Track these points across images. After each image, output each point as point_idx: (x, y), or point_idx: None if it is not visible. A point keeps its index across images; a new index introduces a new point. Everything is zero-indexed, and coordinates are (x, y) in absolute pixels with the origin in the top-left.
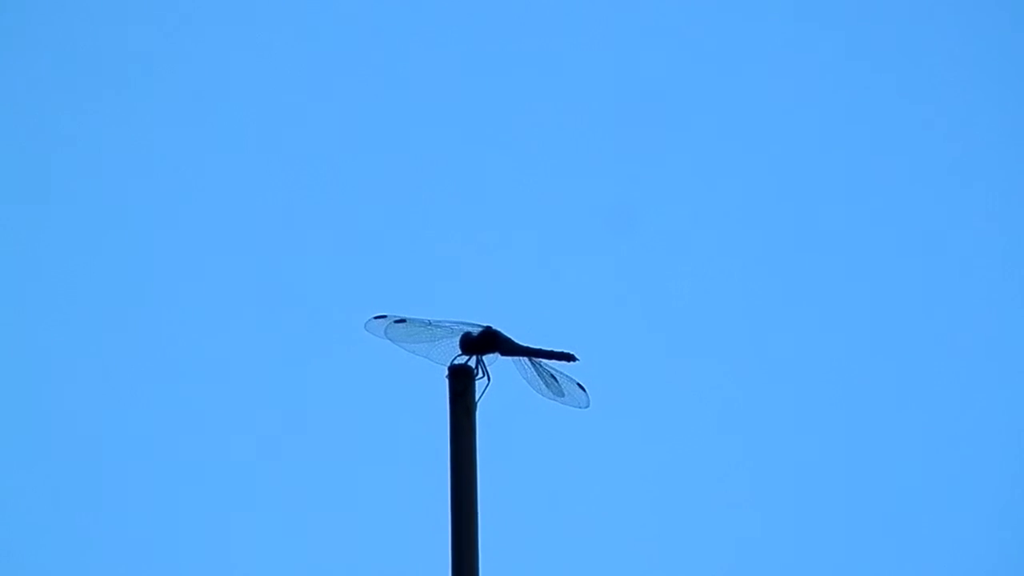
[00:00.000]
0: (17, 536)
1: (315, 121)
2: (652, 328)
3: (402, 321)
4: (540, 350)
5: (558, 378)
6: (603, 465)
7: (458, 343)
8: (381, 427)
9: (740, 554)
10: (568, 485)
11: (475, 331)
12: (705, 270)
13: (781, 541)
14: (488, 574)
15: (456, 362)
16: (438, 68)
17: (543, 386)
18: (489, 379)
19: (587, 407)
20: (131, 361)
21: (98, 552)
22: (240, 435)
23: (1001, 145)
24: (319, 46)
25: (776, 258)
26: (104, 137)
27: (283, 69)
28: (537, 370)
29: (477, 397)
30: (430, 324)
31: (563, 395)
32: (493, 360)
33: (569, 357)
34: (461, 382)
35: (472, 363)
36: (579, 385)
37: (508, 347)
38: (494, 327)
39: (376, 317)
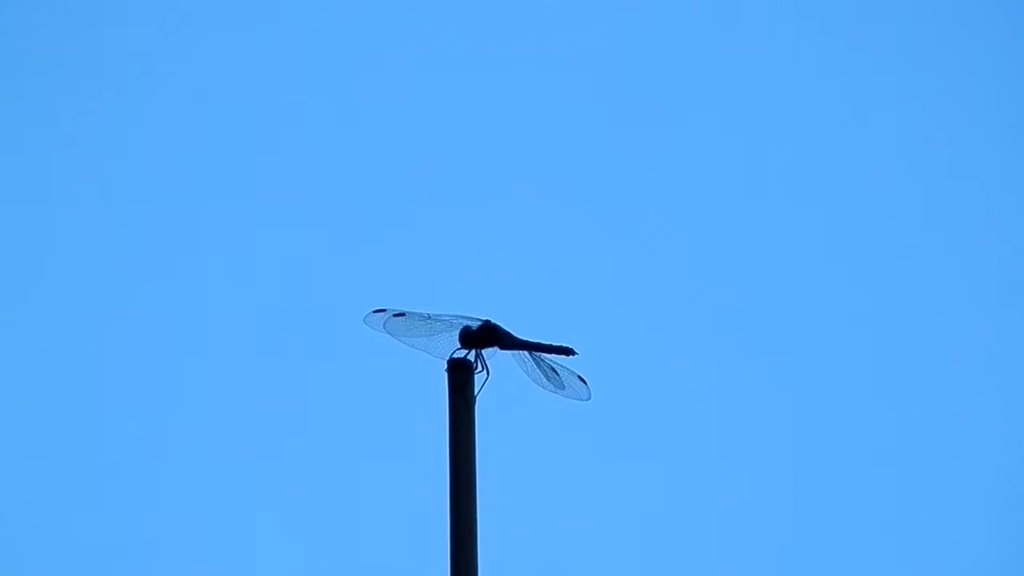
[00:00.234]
0: (17, 536)
1: (315, 120)
2: (651, 322)
3: (401, 315)
4: (539, 344)
5: (559, 371)
6: (602, 458)
7: (457, 337)
8: (380, 421)
9: (739, 548)
10: (567, 478)
11: (474, 325)
12: (703, 266)
13: (780, 537)
14: (487, 567)
15: (455, 356)
16: (440, 67)
17: (544, 379)
18: (488, 373)
19: (588, 399)
20: (130, 359)
21: (100, 552)
22: (239, 430)
23: (1001, 145)
24: (319, 45)
25: (775, 255)
26: (104, 136)
27: (284, 69)
28: (537, 363)
29: (476, 391)
30: (429, 318)
31: (564, 388)
32: (492, 354)
33: (568, 351)
34: (460, 375)
35: (471, 357)
36: (580, 378)
37: (507, 341)
38: (493, 321)
39: (375, 311)
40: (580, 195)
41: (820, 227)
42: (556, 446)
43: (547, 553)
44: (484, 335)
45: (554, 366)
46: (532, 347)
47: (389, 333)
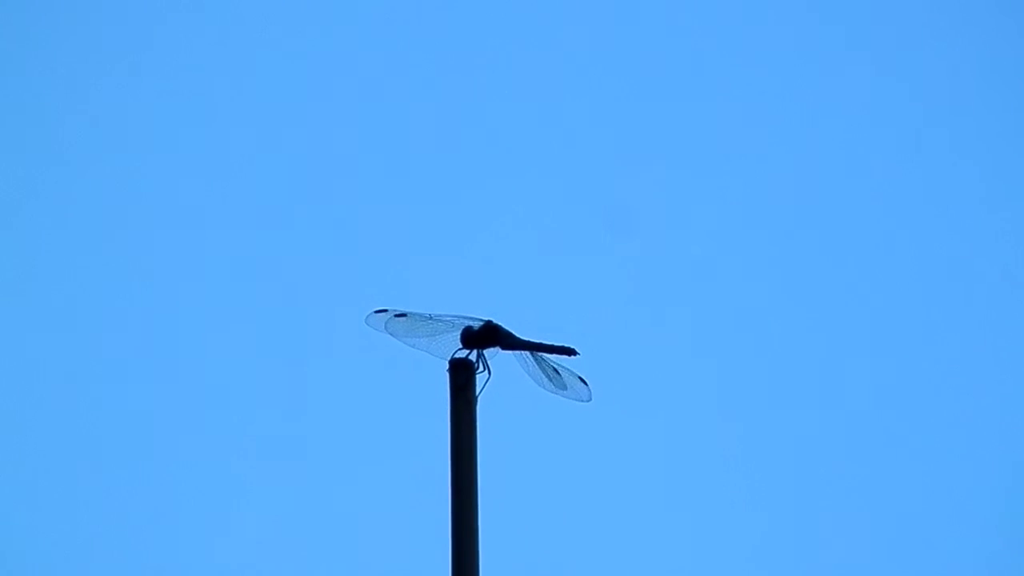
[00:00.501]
0: (17, 536)
1: (317, 119)
2: (652, 322)
3: (403, 315)
4: (541, 344)
5: (560, 372)
6: (603, 459)
7: (459, 337)
8: (382, 421)
9: (740, 548)
10: (569, 479)
11: (476, 325)
12: (705, 266)
13: (782, 536)
14: (488, 567)
15: (457, 356)
16: (442, 67)
17: (545, 379)
18: (490, 373)
19: (589, 400)
20: (131, 359)
21: (102, 552)
22: (242, 430)
23: (1001, 145)
24: (320, 43)
25: (776, 255)
26: (105, 136)
27: (285, 66)
28: (539, 364)
29: (478, 391)
30: (431, 318)
31: (565, 388)
32: (494, 354)
33: (570, 351)
34: (462, 376)
35: (473, 357)
36: (581, 379)
37: (509, 341)
38: (495, 321)
39: (377, 311)
40: (583, 195)
41: (821, 227)
42: (557, 446)
43: (548, 554)
44: (486, 335)
45: (556, 366)
46: (534, 347)
47: (391, 334)
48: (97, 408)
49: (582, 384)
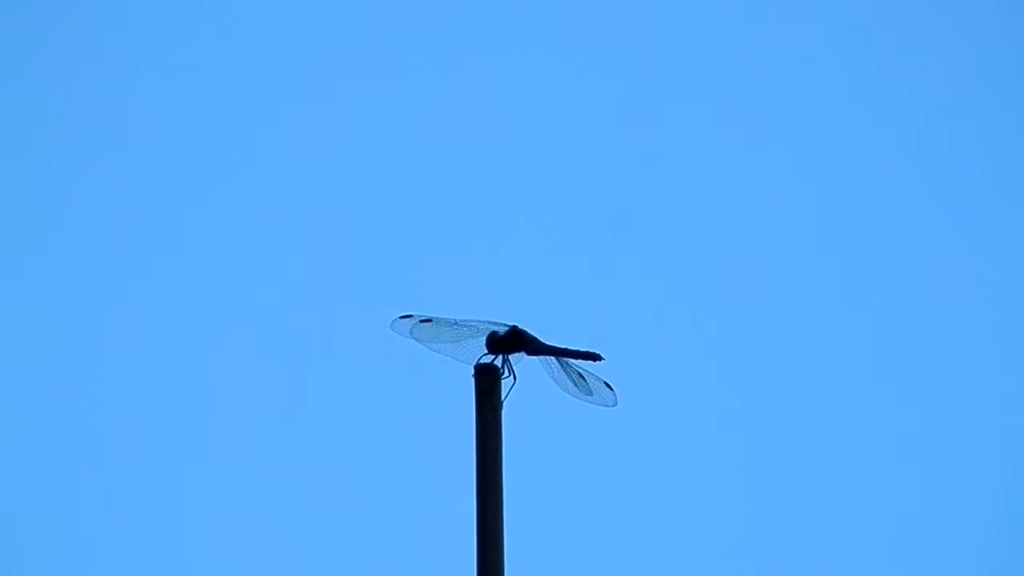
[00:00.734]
0: (18, 536)
1: (332, 122)
2: (677, 326)
3: (428, 321)
4: (566, 349)
5: (586, 377)
6: (629, 463)
7: (484, 342)
8: (408, 425)
9: (763, 552)
10: (594, 483)
11: (501, 330)
12: (731, 270)
13: (805, 539)
14: (513, 571)
15: (482, 361)
16: (463, 68)
17: (571, 385)
18: (515, 378)
19: (615, 406)
20: (142, 361)
21: (104, 553)
22: (264, 437)
23: (1002, 146)
24: (331, 43)
25: (793, 256)
26: (105, 135)
27: (299, 66)
28: (564, 369)
29: (503, 396)
30: (456, 324)
31: (591, 394)
32: (519, 359)
33: (595, 357)
34: (487, 381)
35: (498, 362)
36: (606, 384)
37: (534, 346)
38: (520, 326)
39: (402, 316)
40: (608, 199)
41: (823, 227)
42: (583, 451)
43: (573, 559)
44: (511, 340)
45: (581, 372)
46: (559, 352)
47: (416, 339)
48: (98, 408)
49: (607, 389)
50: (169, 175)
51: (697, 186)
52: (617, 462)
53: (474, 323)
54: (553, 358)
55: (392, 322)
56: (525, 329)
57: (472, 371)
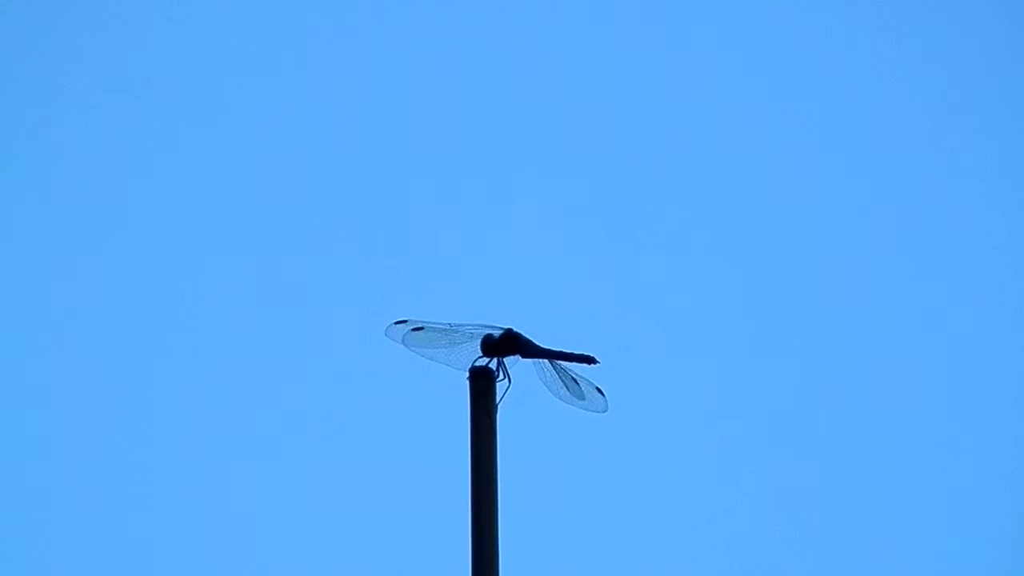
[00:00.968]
0: (17, 536)
1: (328, 126)
2: (669, 332)
3: (420, 328)
4: (561, 352)
5: (579, 382)
6: (623, 467)
7: (479, 345)
8: (402, 428)
9: (756, 555)
10: (590, 487)
11: (496, 333)
12: (724, 276)
13: (799, 543)
14: (508, 574)
15: (477, 363)
16: (456, 71)
17: (563, 389)
18: (510, 381)
19: (605, 412)
20: (149, 363)
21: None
22: (260, 440)
23: (1003, 146)
24: (330, 46)
25: (794, 259)
26: (106, 134)
27: (298, 68)
28: (558, 372)
29: (498, 399)
30: (449, 328)
31: (583, 398)
32: (514, 362)
33: (590, 360)
34: (482, 384)
35: (493, 365)
36: (598, 389)
37: (529, 349)
38: (515, 329)
39: (396, 322)
40: (603, 201)
41: (823, 227)
42: (578, 453)
43: (567, 562)
44: (506, 343)
45: (575, 376)
46: (554, 355)
47: (408, 347)
48: (99, 408)
49: (599, 395)
50: (169, 175)
51: (695, 188)
52: (612, 465)
53: (468, 327)
54: (547, 361)
55: (387, 328)
56: (520, 332)
57: (467, 374)
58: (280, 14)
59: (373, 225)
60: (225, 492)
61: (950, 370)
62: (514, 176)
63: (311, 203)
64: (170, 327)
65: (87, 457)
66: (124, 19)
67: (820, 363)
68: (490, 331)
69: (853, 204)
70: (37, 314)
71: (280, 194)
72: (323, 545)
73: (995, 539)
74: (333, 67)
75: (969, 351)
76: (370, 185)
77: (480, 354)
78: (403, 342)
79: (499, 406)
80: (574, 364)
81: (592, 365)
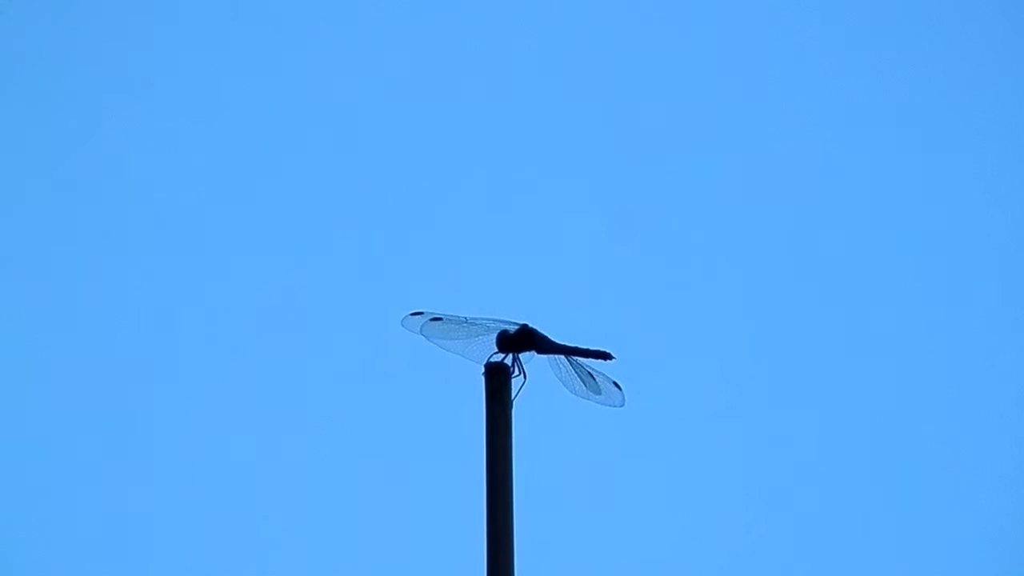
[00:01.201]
0: (17, 536)
1: (337, 125)
2: (689, 328)
3: (439, 319)
4: (577, 348)
5: (595, 376)
6: (638, 462)
7: (494, 341)
8: (418, 424)
9: (770, 551)
10: (605, 482)
11: (512, 329)
12: (740, 271)
13: (812, 540)
14: (523, 570)
15: (492, 359)
16: (466, 72)
17: (580, 384)
18: (525, 377)
19: (622, 406)
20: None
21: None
22: (272, 433)
23: (1003, 146)
24: (333, 46)
25: (803, 256)
26: (107, 134)
27: (305, 67)
28: (574, 368)
29: (513, 395)
30: (466, 321)
31: (600, 393)
32: (529, 358)
33: (606, 355)
34: (497, 379)
35: (508, 361)
36: (615, 384)
37: (545, 345)
38: (531, 325)
39: (413, 314)
40: (614, 198)
41: (825, 226)
42: (593, 449)
43: (583, 557)
44: (521, 339)
45: (591, 371)
46: (569, 351)
47: (426, 336)
48: (104, 407)
49: (616, 389)
50: (170, 175)
51: (704, 185)
52: (627, 461)
53: (484, 321)
54: (563, 357)
55: (403, 319)
56: (536, 328)
57: (482, 370)
58: (281, 14)
59: (387, 223)
60: (234, 490)
61: (950, 370)
62: (530, 173)
63: (323, 202)
64: (170, 327)
65: (88, 458)
66: (124, 19)
67: (830, 359)
68: (505, 327)
69: (853, 204)
70: (37, 314)
71: (296, 191)
72: (338, 541)
73: (995, 539)
74: (340, 66)
75: (969, 351)
76: (384, 184)
77: (496, 350)
78: (421, 331)
79: (514, 402)
80: (590, 360)
81: (608, 361)
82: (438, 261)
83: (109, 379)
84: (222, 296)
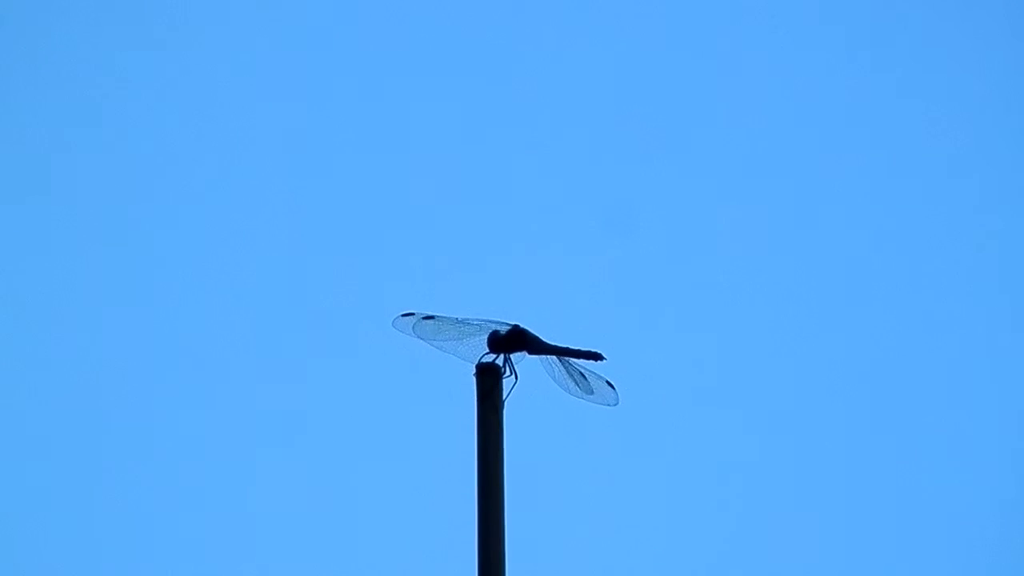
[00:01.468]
0: (17, 536)
1: (333, 125)
2: (681, 327)
3: (430, 318)
4: (568, 349)
5: (587, 376)
6: (630, 462)
7: (486, 341)
8: (409, 425)
9: (764, 550)
10: (596, 482)
11: (503, 329)
12: (732, 269)
13: (807, 539)
14: (515, 570)
15: (484, 360)
16: (462, 72)
17: (572, 384)
18: (516, 377)
19: (616, 405)
20: (147, 361)
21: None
22: (263, 435)
23: (1004, 146)
24: (333, 46)
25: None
26: (107, 134)
27: (303, 67)
28: (566, 368)
29: (504, 395)
30: (458, 321)
31: (592, 393)
32: (520, 358)
33: (597, 356)
34: (489, 380)
35: (500, 361)
36: (608, 383)
37: (536, 346)
38: (522, 325)
39: (404, 314)
40: (604, 198)
41: (824, 225)
42: (585, 450)
43: (574, 556)
44: (513, 339)
45: (583, 371)
46: (561, 352)
47: (418, 336)
48: (105, 407)
49: (609, 388)
50: (170, 175)
51: (698, 185)
52: (619, 460)
53: (476, 322)
54: (555, 357)
55: (394, 320)
56: (527, 328)
57: (474, 370)
58: (282, 14)
59: (378, 223)
60: (228, 489)
61: (951, 370)
62: (522, 173)
63: (316, 203)
64: (170, 327)
65: (89, 458)
66: (124, 19)
67: (826, 357)
68: (497, 327)
69: (853, 203)
70: (37, 314)
71: (289, 191)
72: (329, 542)
73: (995, 539)
74: (337, 65)
75: (969, 352)
76: (377, 183)
77: (487, 350)
78: (413, 330)
79: (505, 402)
80: (581, 360)
81: (599, 362)
82: (429, 262)
83: (109, 379)
84: (221, 296)
